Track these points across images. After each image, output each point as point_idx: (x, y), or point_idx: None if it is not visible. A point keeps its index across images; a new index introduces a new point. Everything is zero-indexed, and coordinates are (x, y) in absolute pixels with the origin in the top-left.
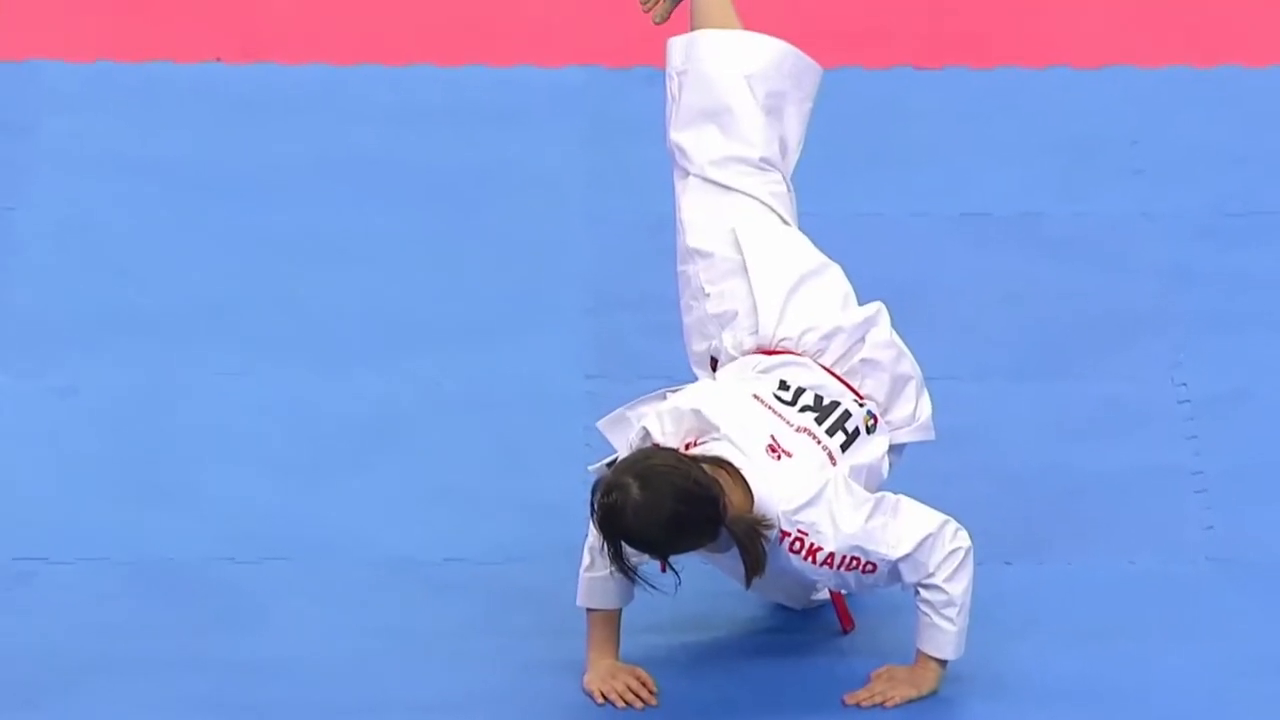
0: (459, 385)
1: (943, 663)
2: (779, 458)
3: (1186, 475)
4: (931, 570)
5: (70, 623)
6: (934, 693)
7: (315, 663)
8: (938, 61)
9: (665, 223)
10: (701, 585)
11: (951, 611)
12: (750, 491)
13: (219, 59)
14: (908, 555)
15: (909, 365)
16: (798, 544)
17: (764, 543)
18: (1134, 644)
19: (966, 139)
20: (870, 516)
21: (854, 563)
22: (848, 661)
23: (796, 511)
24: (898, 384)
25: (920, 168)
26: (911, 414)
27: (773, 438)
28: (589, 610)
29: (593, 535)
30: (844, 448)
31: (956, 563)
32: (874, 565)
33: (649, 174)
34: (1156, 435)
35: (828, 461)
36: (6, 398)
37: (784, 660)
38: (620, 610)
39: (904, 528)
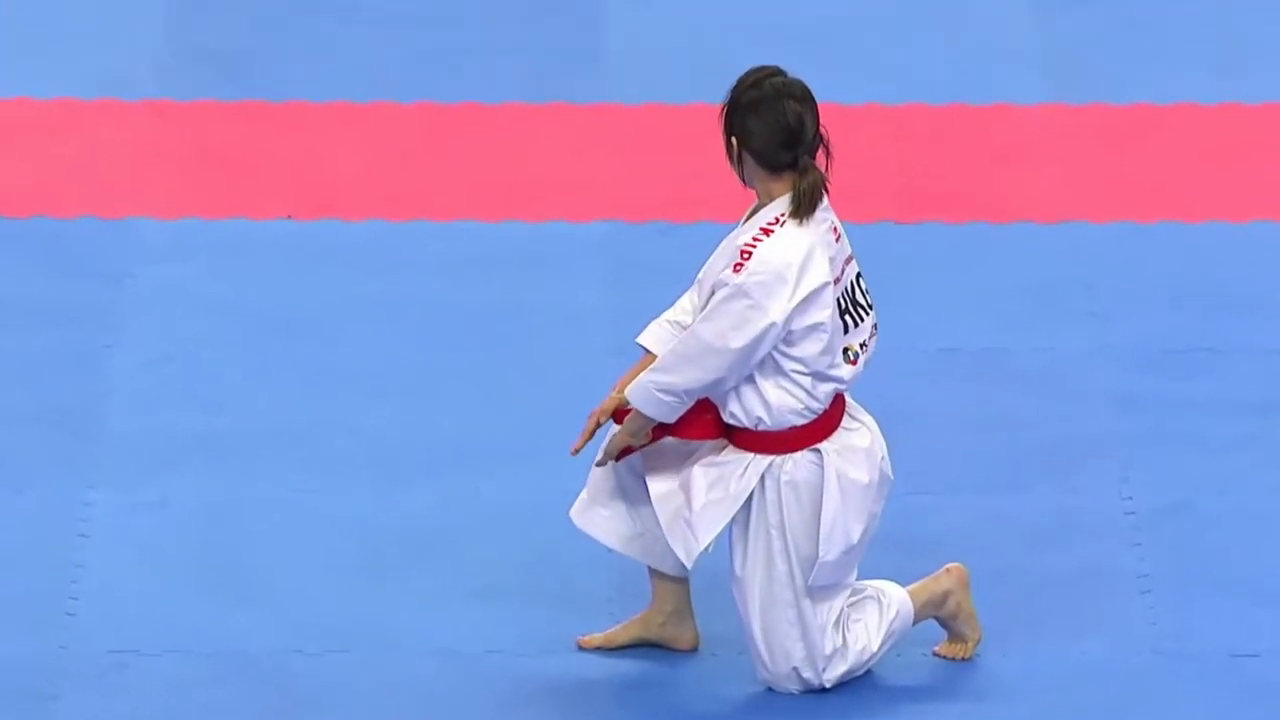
0: (500, 499)
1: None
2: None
3: (1133, 578)
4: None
5: (158, 707)
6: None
7: None
8: (914, 217)
9: None
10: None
11: (662, 376)
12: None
13: (290, 216)
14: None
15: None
16: (760, 238)
17: (813, 186)
18: None
19: (940, 284)
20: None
21: (744, 256)
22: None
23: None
24: None
25: (900, 309)
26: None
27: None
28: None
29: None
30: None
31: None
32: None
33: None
34: (1106, 542)
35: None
36: (105, 511)
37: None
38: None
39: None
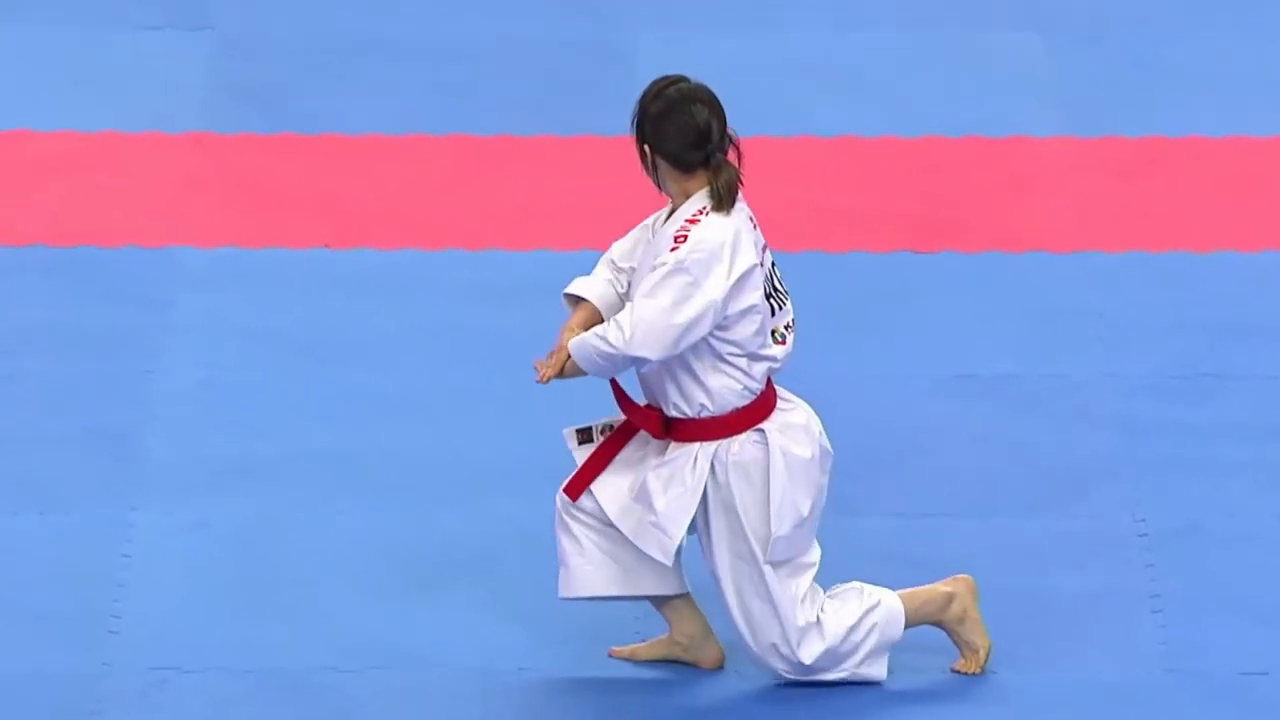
0: (530, 520)
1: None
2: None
3: (1145, 598)
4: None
5: None
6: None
7: None
8: (932, 246)
9: None
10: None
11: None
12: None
13: (326, 244)
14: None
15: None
16: (689, 225)
17: (729, 181)
18: None
19: (956, 311)
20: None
21: (679, 240)
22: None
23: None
24: None
25: (917, 335)
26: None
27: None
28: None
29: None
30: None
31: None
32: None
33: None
34: (1118, 563)
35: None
36: (147, 531)
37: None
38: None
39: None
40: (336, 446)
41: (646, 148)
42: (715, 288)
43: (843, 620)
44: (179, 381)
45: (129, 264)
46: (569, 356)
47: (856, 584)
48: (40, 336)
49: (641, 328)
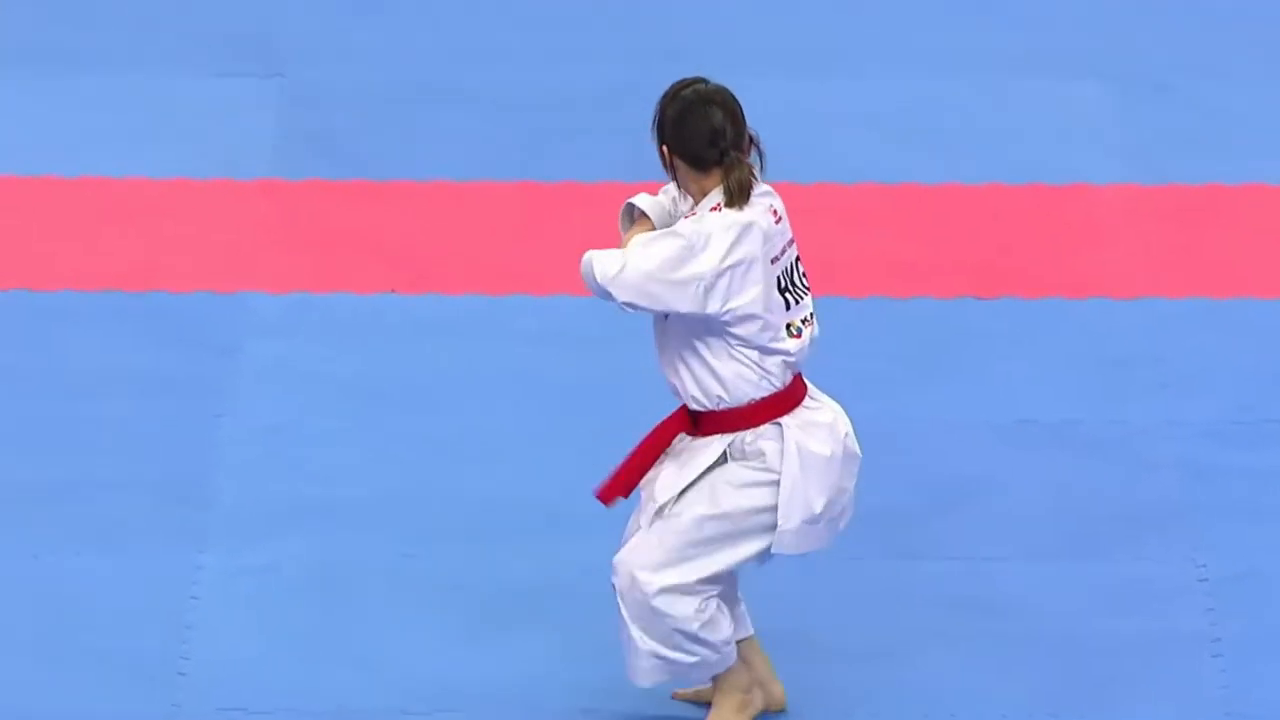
0: (597, 561)
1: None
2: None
3: (1206, 642)
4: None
5: None
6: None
7: None
8: (993, 292)
9: None
10: None
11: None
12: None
13: (394, 290)
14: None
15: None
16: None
17: (741, 179)
18: None
19: (1018, 357)
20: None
21: (688, 217)
22: None
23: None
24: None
25: (978, 381)
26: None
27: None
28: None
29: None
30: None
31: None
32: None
33: None
34: (1178, 608)
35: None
36: (215, 574)
37: None
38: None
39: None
40: (403, 490)
41: (665, 149)
42: (707, 263)
43: (701, 625)
44: (248, 425)
45: (200, 309)
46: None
47: (738, 637)
48: (112, 381)
49: (629, 271)
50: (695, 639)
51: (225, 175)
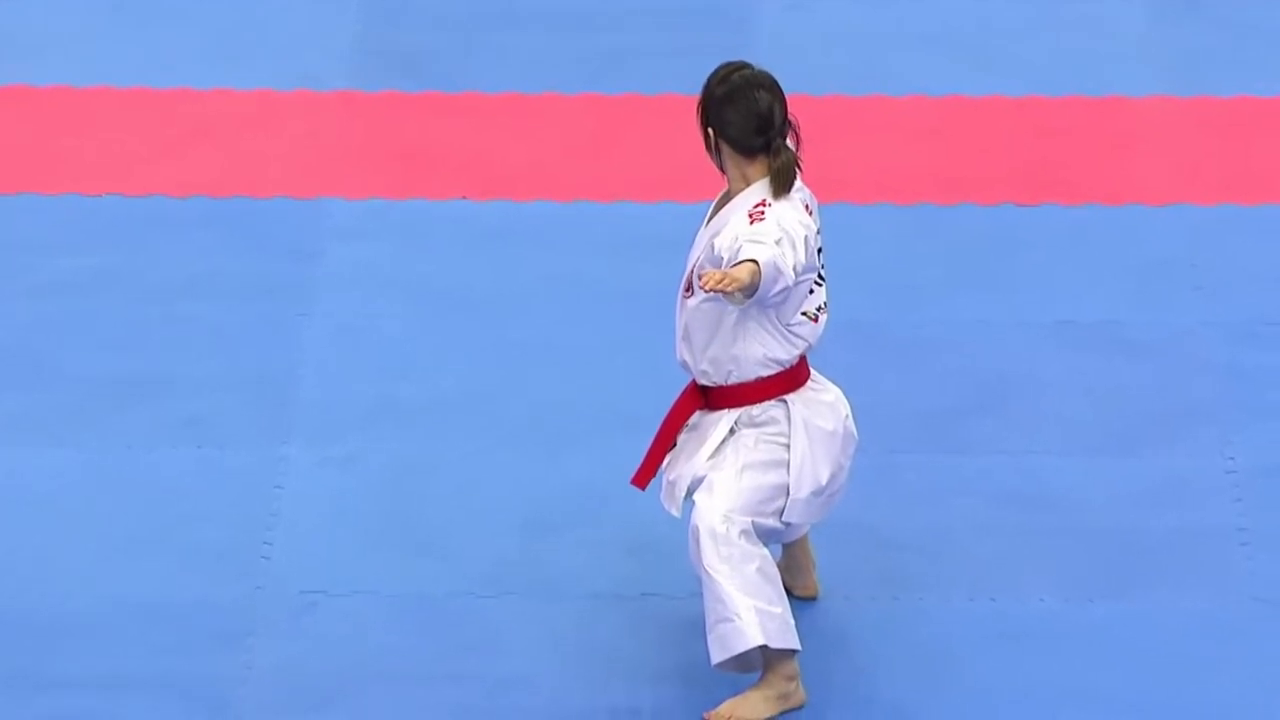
0: None
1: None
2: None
3: (1234, 531)
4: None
5: (345, 644)
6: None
7: (544, 678)
8: (1034, 199)
9: None
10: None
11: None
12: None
13: (466, 197)
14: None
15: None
16: (759, 209)
17: (786, 165)
18: (1188, 671)
19: (1057, 262)
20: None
21: (754, 218)
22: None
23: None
24: None
25: (1020, 284)
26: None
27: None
28: None
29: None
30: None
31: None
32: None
33: None
34: (1208, 500)
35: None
36: (299, 466)
37: None
38: None
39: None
40: (475, 389)
41: (710, 131)
42: (800, 254)
43: (750, 576)
44: (328, 326)
45: (280, 215)
46: (747, 273)
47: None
48: (200, 282)
49: (788, 253)
50: (776, 583)
51: (305, 87)
